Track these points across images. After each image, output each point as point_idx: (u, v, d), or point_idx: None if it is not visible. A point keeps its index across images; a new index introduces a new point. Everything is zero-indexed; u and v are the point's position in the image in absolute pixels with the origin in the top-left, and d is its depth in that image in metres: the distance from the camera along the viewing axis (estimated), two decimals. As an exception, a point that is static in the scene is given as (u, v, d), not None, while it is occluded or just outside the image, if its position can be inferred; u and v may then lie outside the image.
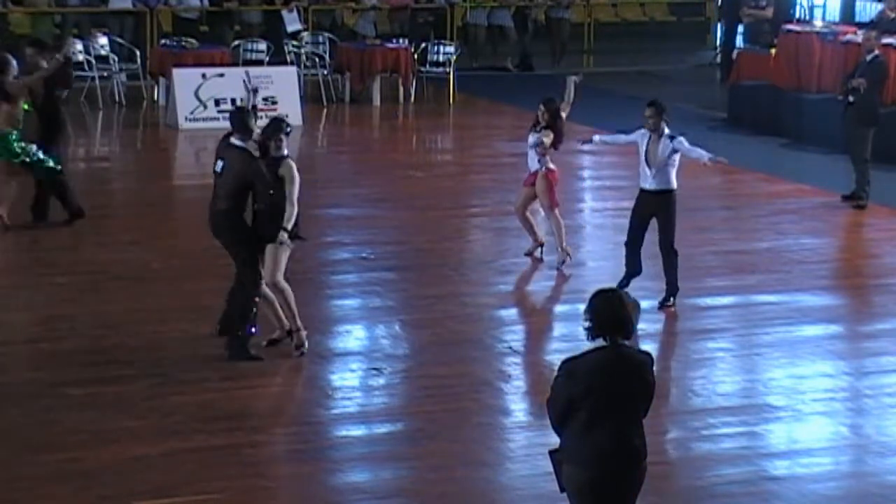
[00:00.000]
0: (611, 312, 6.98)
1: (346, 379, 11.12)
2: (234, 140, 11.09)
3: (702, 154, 12.81)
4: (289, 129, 11.16)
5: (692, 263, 14.37)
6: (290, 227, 10.93)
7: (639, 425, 7.06)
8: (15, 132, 14.57)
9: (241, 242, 11.13)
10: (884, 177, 17.47)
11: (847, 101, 16.95)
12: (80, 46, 22.52)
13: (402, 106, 23.59)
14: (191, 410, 10.22)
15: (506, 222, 16.29)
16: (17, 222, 15.16)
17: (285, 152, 11.04)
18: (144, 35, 24.71)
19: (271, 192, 10.91)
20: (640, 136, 12.80)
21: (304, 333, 11.33)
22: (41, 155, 14.69)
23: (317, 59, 23.96)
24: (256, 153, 11.05)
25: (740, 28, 26.34)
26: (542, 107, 13.93)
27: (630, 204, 13.51)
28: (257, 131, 11.10)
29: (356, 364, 11.37)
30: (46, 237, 15.00)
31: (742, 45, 25.10)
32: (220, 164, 11.11)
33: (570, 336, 12.06)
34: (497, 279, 13.76)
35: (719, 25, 29.15)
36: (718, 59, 27.42)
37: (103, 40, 23.02)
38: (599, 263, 13.96)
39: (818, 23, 24.00)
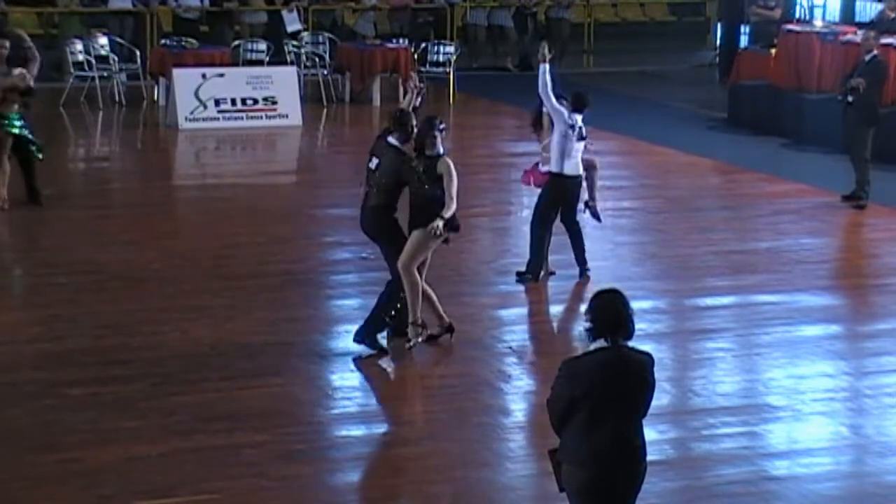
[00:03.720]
0: (612, 313, 6.97)
1: (346, 379, 11.12)
2: (390, 139, 11.38)
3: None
4: (442, 127, 11.34)
5: (692, 263, 14.39)
6: (447, 215, 11.04)
7: (639, 425, 7.05)
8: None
9: (391, 240, 11.40)
10: (884, 177, 17.46)
11: (846, 101, 16.94)
12: (80, 46, 22.58)
13: (402, 106, 23.54)
14: (191, 410, 10.21)
15: (506, 222, 16.31)
16: (17, 220, 15.19)
17: (441, 150, 11.23)
18: (144, 35, 24.72)
19: (426, 186, 11.06)
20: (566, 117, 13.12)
21: (417, 329, 11.42)
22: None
23: (317, 59, 23.95)
24: (412, 153, 11.29)
25: (746, 28, 26.32)
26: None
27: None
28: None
29: (356, 364, 11.37)
30: (46, 237, 15.02)
31: (747, 45, 25.06)
32: (374, 161, 11.41)
33: (570, 336, 12.06)
34: (497, 279, 13.75)
35: (719, 25, 29.15)
36: (718, 59, 27.41)
37: (103, 40, 23.01)
38: (599, 264, 13.93)
39: (818, 23, 23.98)
